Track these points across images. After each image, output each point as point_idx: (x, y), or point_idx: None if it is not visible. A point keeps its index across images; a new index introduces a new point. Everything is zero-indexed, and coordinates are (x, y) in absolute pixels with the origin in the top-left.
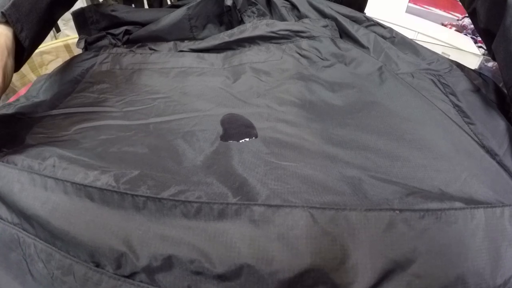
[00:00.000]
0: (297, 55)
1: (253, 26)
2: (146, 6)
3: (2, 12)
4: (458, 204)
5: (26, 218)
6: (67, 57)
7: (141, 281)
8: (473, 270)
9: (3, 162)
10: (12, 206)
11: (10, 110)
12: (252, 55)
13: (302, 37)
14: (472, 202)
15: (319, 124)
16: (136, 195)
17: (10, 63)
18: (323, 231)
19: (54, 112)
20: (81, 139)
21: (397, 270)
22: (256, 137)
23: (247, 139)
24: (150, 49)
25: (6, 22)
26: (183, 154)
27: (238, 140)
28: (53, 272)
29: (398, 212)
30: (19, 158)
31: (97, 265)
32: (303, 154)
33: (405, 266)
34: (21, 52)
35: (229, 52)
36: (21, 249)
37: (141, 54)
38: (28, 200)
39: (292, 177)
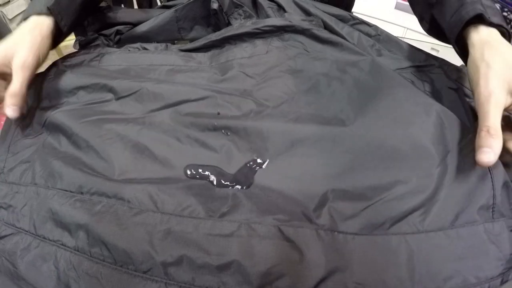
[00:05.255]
0: (283, 48)
1: (239, 25)
2: (135, 6)
3: (48, 7)
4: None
5: (73, 230)
6: (57, 58)
7: (156, 276)
8: (395, 278)
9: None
10: (59, 222)
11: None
12: (238, 51)
13: (287, 31)
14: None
15: (307, 118)
16: (162, 212)
17: (48, 43)
18: (286, 239)
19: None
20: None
21: (337, 271)
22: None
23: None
24: (142, 48)
25: (50, 14)
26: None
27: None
28: (81, 275)
29: (337, 233)
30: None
31: (122, 265)
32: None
33: (343, 270)
34: (59, 35)
35: (216, 51)
36: (56, 259)
37: (129, 51)
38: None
39: (271, 191)
